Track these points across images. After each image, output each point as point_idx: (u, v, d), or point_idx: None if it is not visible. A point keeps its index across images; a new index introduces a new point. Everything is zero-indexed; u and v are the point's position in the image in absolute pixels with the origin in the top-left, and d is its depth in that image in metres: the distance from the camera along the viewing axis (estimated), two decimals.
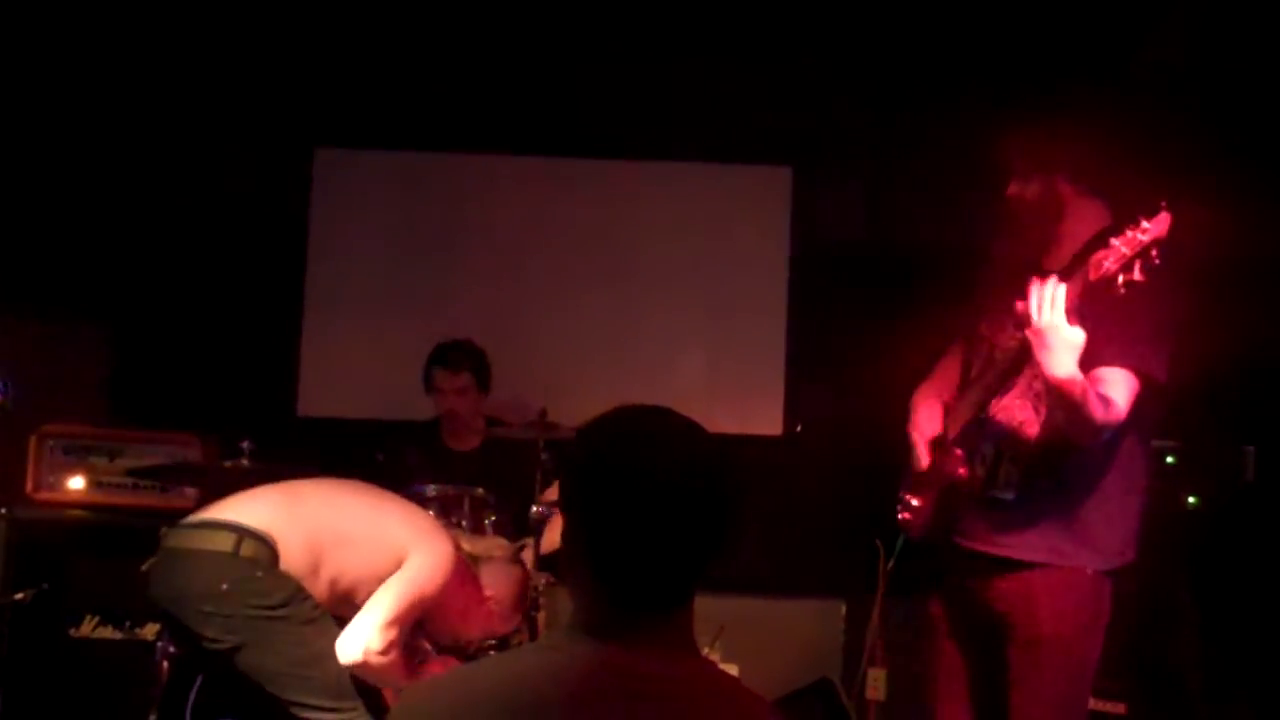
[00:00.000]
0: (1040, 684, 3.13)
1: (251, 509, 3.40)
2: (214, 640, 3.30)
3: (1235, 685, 4.35)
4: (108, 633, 4.64)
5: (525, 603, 3.96)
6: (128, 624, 4.62)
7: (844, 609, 5.14)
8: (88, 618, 4.64)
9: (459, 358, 5.01)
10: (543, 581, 4.40)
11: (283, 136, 5.67)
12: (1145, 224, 2.73)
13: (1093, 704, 3.78)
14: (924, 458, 3.36)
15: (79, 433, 4.97)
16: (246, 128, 5.63)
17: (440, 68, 5.62)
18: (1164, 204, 2.74)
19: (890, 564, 3.69)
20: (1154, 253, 2.73)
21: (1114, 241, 2.77)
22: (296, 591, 3.33)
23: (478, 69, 5.63)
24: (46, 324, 5.32)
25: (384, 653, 3.34)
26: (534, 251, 5.76)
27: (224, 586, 3.27)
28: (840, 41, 5.45)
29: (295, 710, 3.29)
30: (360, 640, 3.33)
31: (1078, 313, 2.86)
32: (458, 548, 3.62)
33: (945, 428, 3.36)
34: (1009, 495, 3.16)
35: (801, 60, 5.47)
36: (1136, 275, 2.74)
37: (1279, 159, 4.46)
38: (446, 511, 4.47)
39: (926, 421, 3.41)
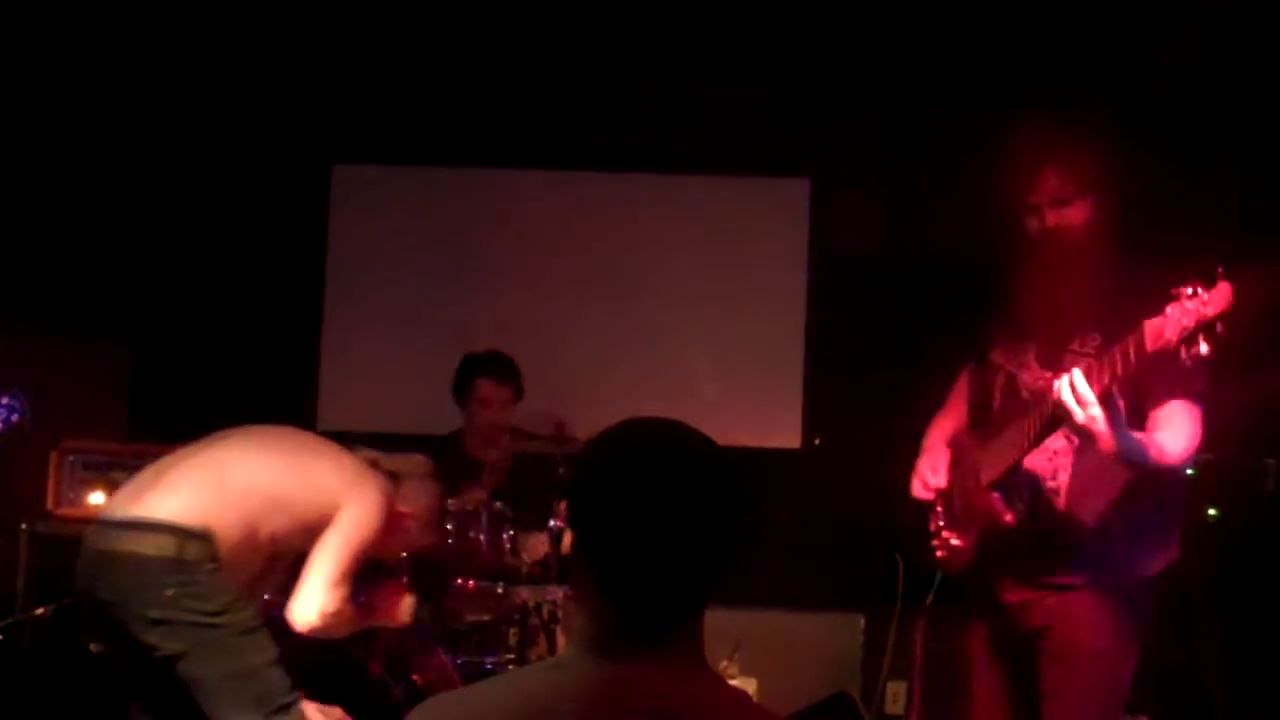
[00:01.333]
0: (1076, 698, 3.10)
1: (181, 500, 3.33)
2: (156, 647, 3.27)
3: (1257, 696, 4.32)
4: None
5: (440, 518, 3.94)
6: None
7: (863, 622, 5.14)
8: None
9: (507, 371, 4.94)
10: (560, 595, 4.39)
11: (300, 153, 5.69)
12: (1204, 295, 2.59)
13: None
14: (925, 496, 3.39)
15: (99, 448, 4.98)
16: (264, 145, 5.66)
17: (456, 82, 5.64)
18: (1221, 271, 2.60)
19: (929, 599, 3.58)
20: (1219, 327, 2.59)
21: (1170, 311, 2.63)
22: (235, 599, 3.32)
23: (494, 83, 5.65)
24: (66, 340, 5.34)
25: (339, 611, 3.41)
26: (551, 265, 5.76)
27: (169, 592, 3.24)
28: (857, 52, 5.45)
29: None
30: (314, 604, 3.37)
31: (1122, 385, 2.79)
32: (378, 469, 3.63)
33: (964, 464, 3.32)
34: (1051, 530, 3.12)
35: (818, 71, 5.47)
36: (1202, 349, 2.60)
37: None
38: (464, 526, 4.47)
39: (931, 466, 3.41)
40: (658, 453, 1.74)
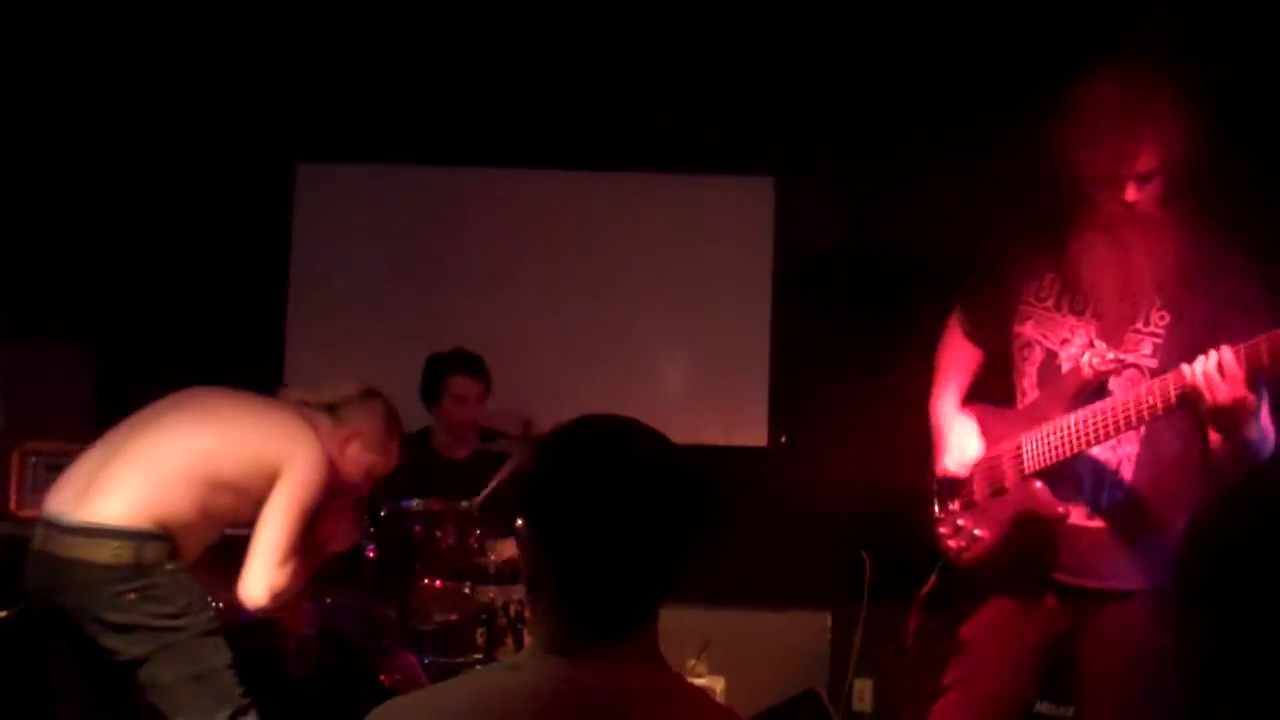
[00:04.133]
0: (1119, 710, 2.98)
1: (127, 500, 3.30)
2: (118, 652, 3.26)
3: (1217, 690, 4.33)
4: None
5: (397, 430, 3.85)
6: None
7: (829, 620, 5.15)
8: None
9: (479, 366, 4.99)
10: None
11: (263, 153, 5.66)
12: None
13: (1042, 708, 3.72)
14: (963, 473, 3.16)
15: (62, 449, 4.92)
16: (227, 145, 5.63)
17: (421, 80, 5.61)
18: None
19: (930, 585, 3.28)
20: None
21: None
22: (195, 600, 3.32)
23: (459, 81, 5.62)
24: (29, 341, 5.30)
25: (289, 586, 3.39)
26: (517, 264, 5.74)
27: (130, 596, 3.23)
28: (820, 50, 5.46)
29: None
30: (263, 584, 3.34)
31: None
32: (306, 404, 3.62)
33: (990, 444, 3.14)
34: (1108, 524, 2.99)
35: (781, 69, 5.47)
36: None
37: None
38: (431, 525, 4.46)
39: (965, 439, 3.18)
40: (611, 451, 1.73)
